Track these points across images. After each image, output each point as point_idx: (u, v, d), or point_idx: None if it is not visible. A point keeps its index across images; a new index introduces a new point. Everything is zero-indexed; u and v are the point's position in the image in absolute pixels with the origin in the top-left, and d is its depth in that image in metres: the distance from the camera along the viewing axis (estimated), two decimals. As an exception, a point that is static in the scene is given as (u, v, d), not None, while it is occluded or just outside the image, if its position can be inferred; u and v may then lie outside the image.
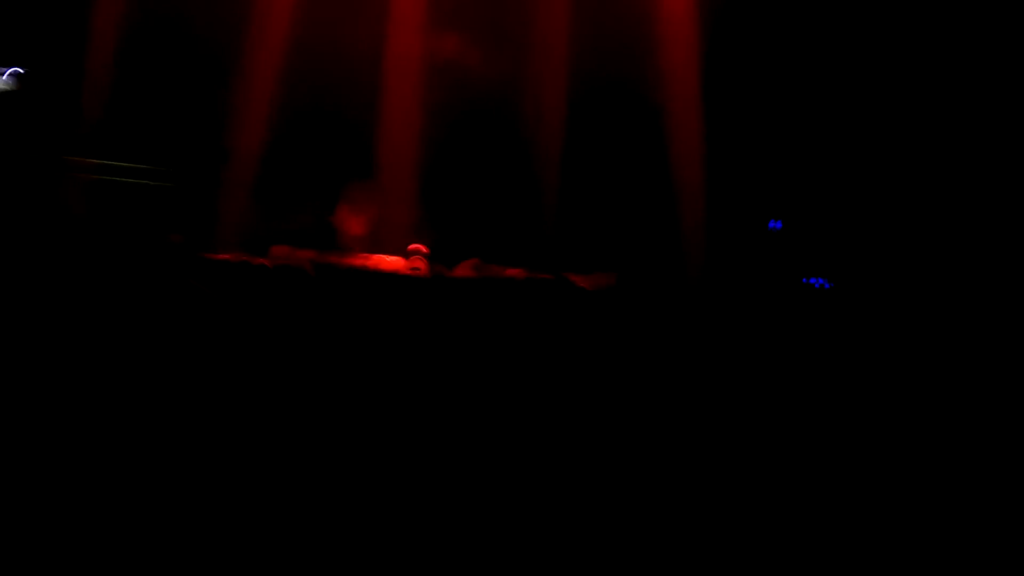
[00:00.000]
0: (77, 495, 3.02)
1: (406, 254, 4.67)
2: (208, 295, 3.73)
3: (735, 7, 5.67)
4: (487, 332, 3.97)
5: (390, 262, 4.51)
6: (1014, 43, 5.27)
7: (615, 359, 3.81)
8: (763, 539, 3.23)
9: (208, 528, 2.97)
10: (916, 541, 3.20)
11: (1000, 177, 5.23)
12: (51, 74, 5.45)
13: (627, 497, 3.41)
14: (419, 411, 3.67)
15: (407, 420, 3.64)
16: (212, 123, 5.42)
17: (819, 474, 3.50)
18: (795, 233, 5.74)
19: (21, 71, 5.26)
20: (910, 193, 5.41)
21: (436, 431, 3.60)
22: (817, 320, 4.31)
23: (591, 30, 5.69)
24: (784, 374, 3.83)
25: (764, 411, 3.71)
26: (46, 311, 3.62)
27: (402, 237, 4.85)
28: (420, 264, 4.61)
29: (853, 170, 5.64)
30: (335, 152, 5.45)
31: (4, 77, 5.22)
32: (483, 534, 3.19)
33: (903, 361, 3.88)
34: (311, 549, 3.00)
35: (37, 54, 5.45)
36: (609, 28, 5.67)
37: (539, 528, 3.24)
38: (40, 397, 3.35)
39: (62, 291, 3.70)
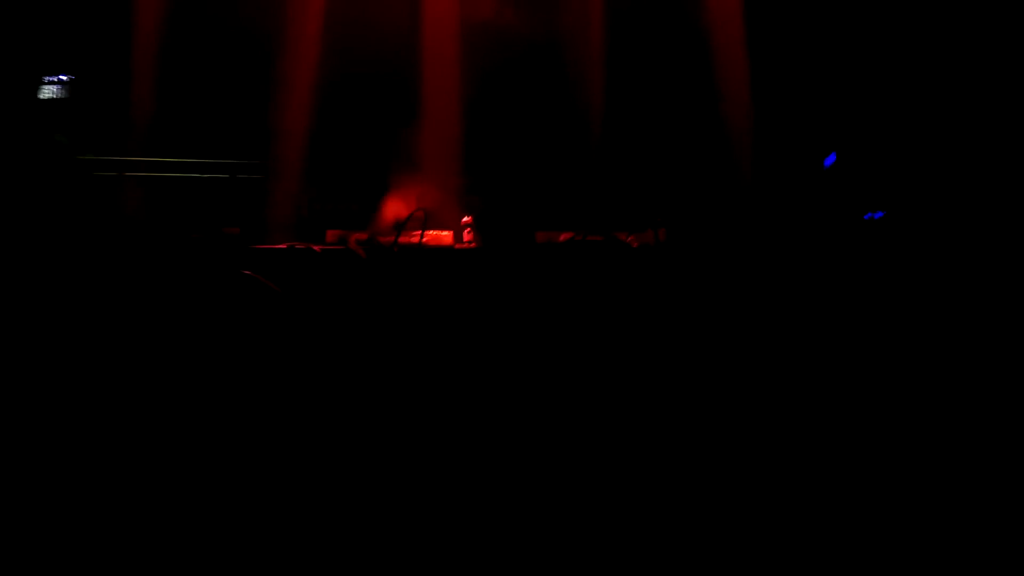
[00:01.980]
0: (138, 480, 3.12)
1: (458, 228, 4.69)
2: (263, 285, 3.82)
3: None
4: (542, 298, 3.98)
5: (442, 237, 4.54)
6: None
7: (666, 317, 3.79)
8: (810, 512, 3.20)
9: (269, 509, 3.05)
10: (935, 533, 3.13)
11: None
12: (99, 78, 5.58)
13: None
14: (481, 381, 3.71)
15: (472, 390, 3.69)
16: (258, 112, 5.49)
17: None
18: (851, 167, 5.54)
19: (71, 78, 5.42)
20: (964, 124, 5.19)
21: (501, 399, 3.64)
22: (875, 267, 4.17)
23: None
24: (838, 331, 3.75)
25: (815, 376, 3.65)
26: (105, 306, 3.75)
27: (450, 211, 4.88)
28: (469, 236, 4.63)
29: (908, 99, 5.43)
30: (379, 127, 5.48)
31: (55, 86, 5.39)
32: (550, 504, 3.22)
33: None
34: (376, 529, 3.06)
35: (84, 60, 5.58)
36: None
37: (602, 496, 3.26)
38: (101, 385, 3.48)
39: (122, 287, 3.83)
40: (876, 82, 5.55)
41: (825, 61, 5.56)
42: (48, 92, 5.37)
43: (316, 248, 4.08)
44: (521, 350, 3.81)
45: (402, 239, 4.30)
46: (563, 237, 4.51)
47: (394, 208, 5.04)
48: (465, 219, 4.72)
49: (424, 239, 4.40)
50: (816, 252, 4.22)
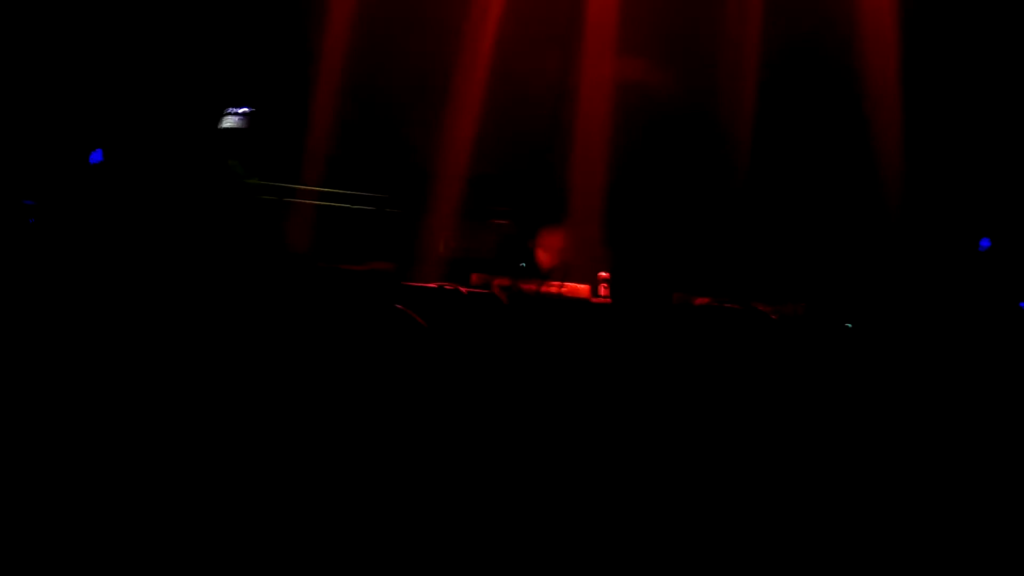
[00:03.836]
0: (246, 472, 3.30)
1: (594, 282, 4.81)
2: (411, 320, 4.04)
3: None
4: (670, 358, 4.04)
5: (580, 290, 4.67)
6: None
7: (794, 394, 3.79)
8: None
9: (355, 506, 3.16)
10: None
11: None
12: (280, 112, 6.03)
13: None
14: (600, 434, 3.80)
15: (590, 442, 3.77)
16: (422, 153, 5.82)
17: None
18: (1006, 251, 5.34)
19: (252, 109, 5.88)
20: None
21: (613, 453, 3.70)
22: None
23: (780, 41, 5.59)
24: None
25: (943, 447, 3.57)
26: (264, 336, 4.03)
27: (590, 266, 5.01)
28: (605, 291, 4.75)
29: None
30: (530, 179, 5.69)
31: (236, 116, 5.86)
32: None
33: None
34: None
35: (266, 93, 6.05)
36: (801, 36, 5.55)
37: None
38: (250, 406, 3.72)
39: (280, 315, 4.12)
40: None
41: (984, 140, 5.42)
42: (229, 122, 5.84)
43: (463, 290, 4.28)
44: (642, 409, 3.87)
45: (543, 288, 4.47)
46: (699, 301, 4.56)
47: (539, 258, 5.21)
48: (602, 274, 4.84)
49: (563, 290, 4.55)
50: (967, 339, 4.12)
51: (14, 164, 5.76)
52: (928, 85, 5.47)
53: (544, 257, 5.16)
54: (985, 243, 5.54)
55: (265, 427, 3.66)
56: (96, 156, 5.89)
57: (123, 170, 5.76)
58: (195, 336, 4.06)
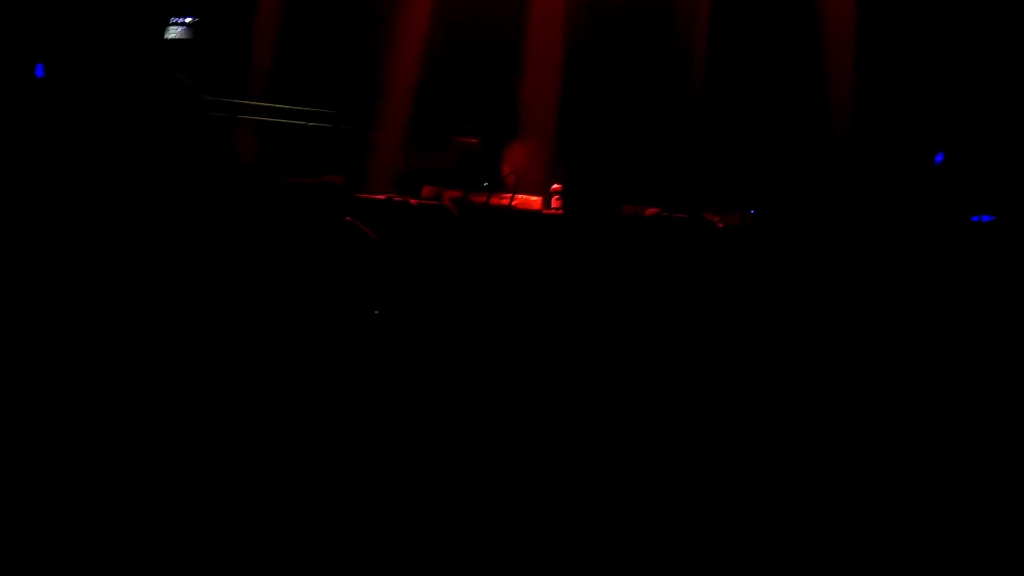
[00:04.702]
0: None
1: (547, 194, 4.81)
2: (361, 232, 4.03)
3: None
4: (620, 270, 4.08)
5: (531, 202, 4.67)
6: None
7: (738, 301, 3.85)
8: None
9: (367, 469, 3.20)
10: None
11: None
12: (224, 22, 5.86)
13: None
14: (555, 348, 3.84)
15: (541, 353, 3.82)
16: (367, 65, 5.70)
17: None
18: (960, 166, 5.34)
19: (196, 19, 5.71)
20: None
21: (577, 367, 3.75)
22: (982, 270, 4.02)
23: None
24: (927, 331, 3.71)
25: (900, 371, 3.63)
26: (211, 247, 4.00)
27: (541, 177, 5.00)
28: (558, 203, 4.76)
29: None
30: (480, 88, 5.61)
31: (181, 26, 5.69)
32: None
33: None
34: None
35: (211, 4, 5.87)
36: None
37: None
38: (205, 327, 3.72)
39: (229, 229, 4.09)
40: (995, 81, 5.36)
41: (942, 53, 5.40)
42: (174, 32, 5.69)
43: (412, 202, 4.27)
44: (591, 319, 3.92)
45: (493, 200, 4.46)
46: (649, 212, 4.59)
47: (488, 170, 5.19)
48: (554, 186, 4.84)
49: (514, 202, 4.55)
50: (915, 250, 4.15)
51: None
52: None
53: (495, 169, 5.15)
54: (939, 158, 5.56)
55: (220, 339, 3.68)
56: (38, 70, 5.71)
57: (67, 83, 5.60)
58: (144, 251, 4.03)
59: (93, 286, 3.83)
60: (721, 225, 4.27)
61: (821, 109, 5.37)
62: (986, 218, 4.89)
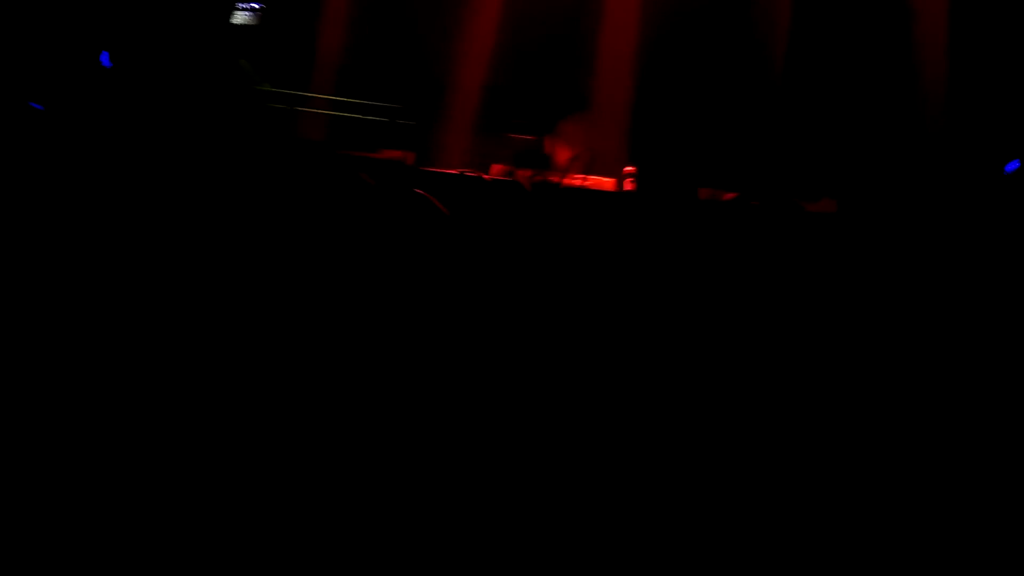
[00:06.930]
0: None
1: (620, 176, 4.69)
2: (432, 205, 3.92)
3: None
4: (693, 256, 3.93)
5: (604, 183, 4.55)
6: None
7: (822, 290, 3.67)
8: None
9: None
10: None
11: None
12: (291, 11, 5.84)
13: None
14: (622, 331, 3.70)
15: (609, 339, 3.68)
16: (438, 59, 5.64)
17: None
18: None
19: (263, 5, 5.69)
20: None
21: (648, 357, 3.61)
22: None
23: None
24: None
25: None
26: (281, 229, 3.92)
27: (615, 162, 4.87)
28: (631, 186, 4.63)
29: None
30: (552, 77, 5.51)
31: (248, 12, 5.67)
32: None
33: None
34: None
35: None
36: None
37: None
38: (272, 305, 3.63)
39: (296, 201, 4.00)
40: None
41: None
42: (240, 18, 5.66)
43: (486, 177, 4.16)
44: (664, 305, 3.77)
45: (566, 180, 4.35)
46: (727, 196, 4.43)
47: (562, 151, 5.08)
48: (628, 168, 4.71)
49: (587, 183, 4.43)
50: (985, 253, 3.98)
51: (20, 66, 5.61)
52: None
53: (564, 152, 5.03)
54: (1013, 165, 5.36)
55: (284, 311, 3.59)
56: (104, 58, 5.73)
57: (132, 71, 5.61)
58: (205, 229, 3.96)
59: (145, 267, 3.76)
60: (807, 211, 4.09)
61: (911, 92, 5.17)
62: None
